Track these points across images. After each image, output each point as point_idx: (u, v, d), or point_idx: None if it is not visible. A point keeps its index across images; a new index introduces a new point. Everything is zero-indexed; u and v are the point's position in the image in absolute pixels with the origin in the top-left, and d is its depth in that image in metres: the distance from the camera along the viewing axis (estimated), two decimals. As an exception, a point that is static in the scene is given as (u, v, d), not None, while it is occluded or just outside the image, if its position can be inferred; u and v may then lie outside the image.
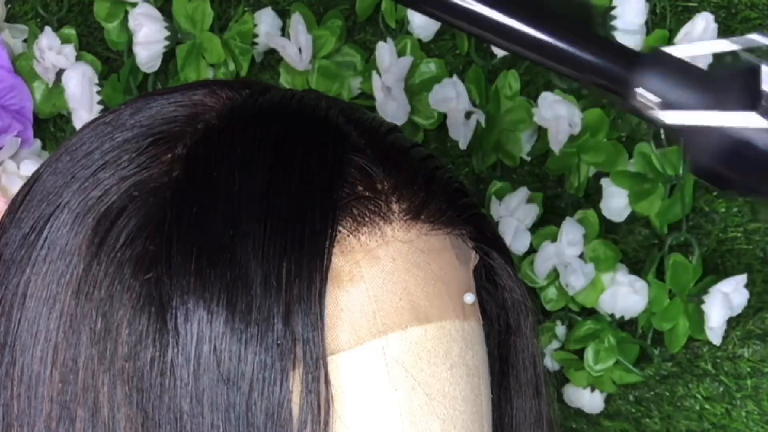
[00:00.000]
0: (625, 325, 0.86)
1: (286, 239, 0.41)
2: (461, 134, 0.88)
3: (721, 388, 0.85)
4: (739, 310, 0.82)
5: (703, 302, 0.81)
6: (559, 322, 0.87)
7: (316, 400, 0.41)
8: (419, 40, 0.90)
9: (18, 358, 0.44)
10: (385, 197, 0.45)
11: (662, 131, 0.83)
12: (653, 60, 0.42)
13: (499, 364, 0.52)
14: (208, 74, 0.96)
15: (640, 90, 0.41)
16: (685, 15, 0.81)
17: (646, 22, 0.81)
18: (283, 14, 0.95)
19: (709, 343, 0.83)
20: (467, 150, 0.89)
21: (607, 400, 0.88)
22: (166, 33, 0.97)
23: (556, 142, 0.83)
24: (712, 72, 0.42)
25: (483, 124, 0.87)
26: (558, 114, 0.83)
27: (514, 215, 0.86)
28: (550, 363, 0.88)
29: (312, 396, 0.41)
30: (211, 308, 0.40)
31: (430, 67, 0.89)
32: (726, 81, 0.41)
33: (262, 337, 0.40)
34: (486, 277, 0.50)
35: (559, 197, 0.88)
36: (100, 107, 1.02)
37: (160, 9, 0.98)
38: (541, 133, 0.86)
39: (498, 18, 0.41)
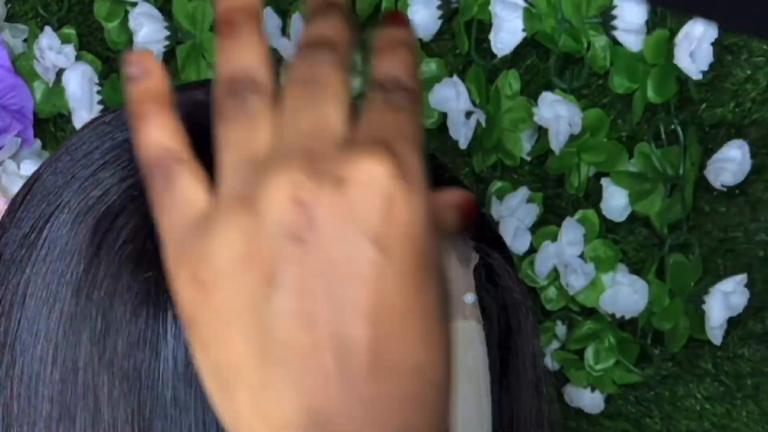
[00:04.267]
0: (625, 325, 0.86)
1: None
2: (461, 134, 0.88)
3: (722, 388, 0.85)
4: (740, 310, 0.82)
5: (703, 302, 0.81)
6: (559, 322, 0.87)
7: None
8: (419, 40, 0.89)
9: (18, 357, 0.44)
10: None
11: (663, 131, 0.83)
12: None
13: (499, 364, 0.52)
14: (209, 74, 0.96)
15: None
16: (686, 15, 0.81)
17: (647, 22, 0.81)
18: (284, 14, 0.95)
19: (710, 342, 0.83)
20: (467, 150, 0.89)
21: (607, 400, 0.88)
22: (166, 33, 0.97)
23: (556, 142, 0.83)
24: None
25: (483, 124, 0.87)
26: (558, 114, 0.83)
27: (514, 215, 0.86)
28: (550, 363, 0.88)
29: None
30: None
31: (430, 66, 0.89)
32: None
33: None
34: (486, 277, 0.50)
35: (559, 197, 0.88)
36: (100, 107, 1.02)
37: (161, 9, 0.98)
38: (541, 132, 0.86)
39: None
